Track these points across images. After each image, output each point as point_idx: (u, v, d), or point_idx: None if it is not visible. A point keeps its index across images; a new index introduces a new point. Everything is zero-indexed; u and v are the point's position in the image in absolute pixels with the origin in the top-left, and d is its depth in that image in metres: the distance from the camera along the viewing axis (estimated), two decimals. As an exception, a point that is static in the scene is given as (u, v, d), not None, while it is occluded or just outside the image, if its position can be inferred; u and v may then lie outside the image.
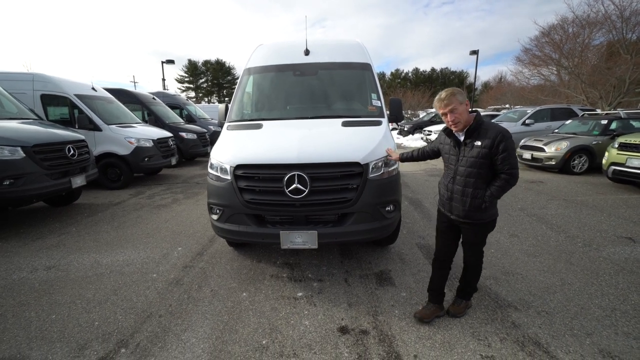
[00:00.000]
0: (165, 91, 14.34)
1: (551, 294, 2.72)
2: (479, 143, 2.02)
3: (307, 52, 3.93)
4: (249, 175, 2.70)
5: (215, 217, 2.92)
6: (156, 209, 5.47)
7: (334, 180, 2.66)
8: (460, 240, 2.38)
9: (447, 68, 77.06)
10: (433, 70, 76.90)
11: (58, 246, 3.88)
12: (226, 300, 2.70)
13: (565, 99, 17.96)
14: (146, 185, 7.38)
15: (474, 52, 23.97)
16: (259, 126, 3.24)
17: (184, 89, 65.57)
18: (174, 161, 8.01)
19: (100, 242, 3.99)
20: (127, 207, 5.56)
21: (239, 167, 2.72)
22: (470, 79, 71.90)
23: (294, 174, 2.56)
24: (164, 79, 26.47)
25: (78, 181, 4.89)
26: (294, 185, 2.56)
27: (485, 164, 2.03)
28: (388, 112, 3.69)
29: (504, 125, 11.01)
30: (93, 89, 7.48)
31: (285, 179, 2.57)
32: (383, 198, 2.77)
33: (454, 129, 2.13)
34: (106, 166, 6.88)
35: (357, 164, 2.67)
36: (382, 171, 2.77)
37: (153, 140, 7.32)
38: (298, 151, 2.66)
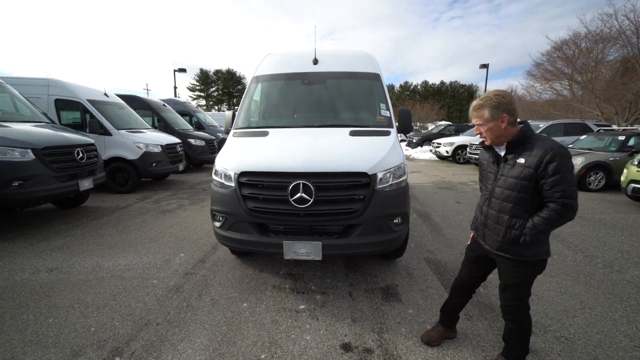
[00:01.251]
0: (176, 98, 14.60)
1: (570, 318, 2.56)
2: (522, 161, 1.63)
3: (315, 62, 3.93)
4: (253, 182, 2.66)
5: (218, 224, 2.87)
6: (161, 214, 5.46)
7: (340, 190, 2.59)
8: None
9: (456, 81, 77.17)
10: (442, 83, 77.07)
11: (62, 248, 3.87)
12: (226, 310, 2.61)
13: (579, 114, 17.68)
14: (153, 190, 7.42)
15: (484, 66, 24.00)
16: (265, 133, 3.21)
17: (195, 97, 66.96)
18: (181, 167, 8.06)
19: (104, 246, 3.97)
20: (132, 211, 5.56)
21: (243, 174, 2.68)
22: (480, 92, 71.93)
23: (299, 183, 2.50)
24: (175, 87, 27.12)
25: (86, 184, 4.92)
26: (298, 194, 2.50)
27: (529, 188, 1.62)
28: (397, 123, 3.64)
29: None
30: (105, 94, 7.64)
31: (290, 187, 2.51)
32: (391, 210, 2.69)
33: (486, 143, 1.78)
34: (114, 170, 6.95)
35: (364, 174, 2.60)
36: (390, 182, 2.70)
37: (161, 146, 7.39)
38: (303, 159, 2.61)
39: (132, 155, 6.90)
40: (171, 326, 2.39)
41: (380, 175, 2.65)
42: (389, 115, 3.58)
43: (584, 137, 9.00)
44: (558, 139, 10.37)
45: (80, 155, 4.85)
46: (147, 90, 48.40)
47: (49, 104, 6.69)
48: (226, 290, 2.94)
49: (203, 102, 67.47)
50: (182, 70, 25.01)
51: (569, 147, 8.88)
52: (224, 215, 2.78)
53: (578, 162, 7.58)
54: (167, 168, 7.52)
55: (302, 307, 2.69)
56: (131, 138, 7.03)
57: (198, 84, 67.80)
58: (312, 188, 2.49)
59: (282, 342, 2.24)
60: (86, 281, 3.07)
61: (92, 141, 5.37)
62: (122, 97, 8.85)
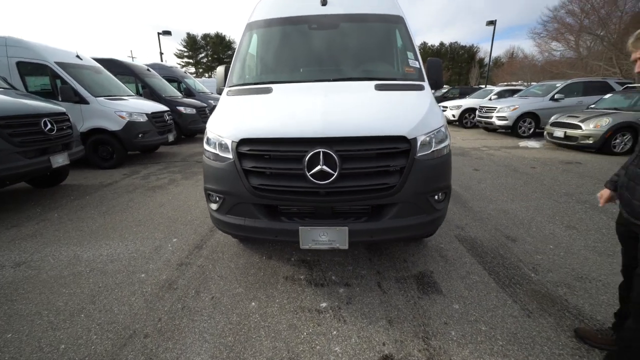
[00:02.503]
0: (162, 63, 13.39)
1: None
2: None
3: (324, 2, 3.13)
4: (257, 153, 2.04)
5: (214, 206, 2.29)
6: (151, 191, 4.86)
7: (372, 160, 1.99)
8: None
9: (456, 42, 73.62)
10: (442, 44, 73.49)
11: (34, 236, 3.31)
12: (230, 313, 2.12)
13: (592, 73, 16.66)
14: (142, 164, 6.76)
15: (491, 22, 22.32)
16: (268, 90, 2.52)
17: (183, 64, 63.52)
18: (171, 138, 7.32)
19: (84, 232, 3.41)
20: (118, 189, 4.96)
21: (243, 142, 2.06)
22: (480, 54, 68.88)
23: (319, 152, 1.89)
24: (161, 53, 25.22)
25: (59, 160, 4.25)
26: (318, 167, 1.89)
27: None
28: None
29: (529, 101, 10.12)
30: (78, 56, 6.67)
31: (307, 158, 1.90)
32: (433, 184, 2.11)
33: None
34: (97, 143, 6.23)
35: (402, 138, 1.99)
36: (432, 148, 2.09)
37: (147, 115, 6.60)
38: (323, 121, 1.98)
39: (114, 126, 6.14)
40: (163, 338, 1.89)
41: (421, 140, 2.04)
42: (418, 66, 2.88)
43: (608, 96, 8.28)
44: (576, 99, 9.69)
45: (49, 126, 4.13)
46: (132, 57, 45.39)
47: (10, 68, 5.78)
48: (229, 285, 2.43)
49: (192, 69, 64.13)
50: (167, 32, 23.05)
51: (591, 108, 8.21)
52: (221, 196, 2.19)
53: (604, 122, 6.96)
54: (156, 139, 6.79)
55: (323, 305, 2.21)
56: (112, 106, 6.22)
57: (186, 50, 64.00)
58: (336, 158, 1.89)
59: (306, 358, 1.76)
60: (60, 278, 2.54)
61: (63, 110, 4.61)
62: (99, 61, 7.86)
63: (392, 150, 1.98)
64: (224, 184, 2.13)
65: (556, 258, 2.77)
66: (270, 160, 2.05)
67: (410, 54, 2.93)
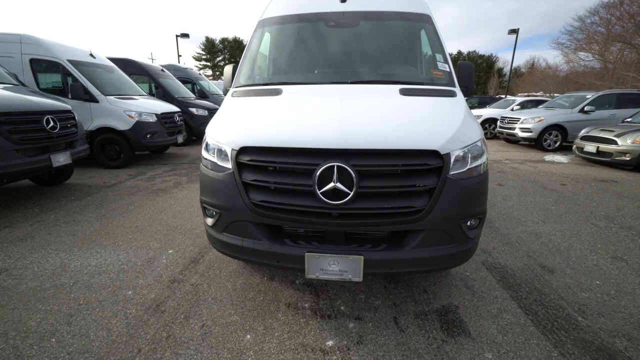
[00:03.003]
0: (177, 64, 13.44)
1: None
2: None
3: None
4: (260, 164, 1.75)
5: (210, 221, 2.00)
6: (153, 194, 4.65)
7: (396, 178, 1.67)
8: None
9: (474, 51, 72.44)
10: (460, 53, 72.44)
11: (24, 239, 3.11)
12: (221, 348, 1.81)
13: (622, 84, 15.82)
14: (149, 165, 6.61)
15: (514, 31, 21.68)
16: (277, 92, 2.24)
17: (201, 66, 64.85)
18: (180, 139, 7.17)
19: (77, 237, 3.20)
20: (121, 190, 4.77)
21: (244, 150, 1.77)
22: (499, 63, 67.51)
23: (332, 166, 1.58)
24: (179, 55, 25.64)
25: (61, 159, 4.09)
26: (331, 185, 1.58)
27: None
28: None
29: (556, 112, 9.55)
30: (91, 55, 6.62)
31: (318, 173, 1.60)
32: (468, 208, 1.77)
33: None
34: (104, 142, 6.12)
35: (434, 153, 1.66)
36: (467, 166, 1.75)
37: (156, 115, 6.47)
38: (339, 129, 1.67)
39: (122, 125, 6.02)
40: (138, 379, 1.60)
41: (455, 156, 1.70)
42: (448, 69, 2.55)
43: (647, 109, 7.68)
44: (608, 112, 9.08)
45: (52, 124, 3.98)
46: (152, 59, 46.64)
47: (23, 65, 5.75)
48: (223, 311, 2.13)
49: (209, 72, 65.37)
50: (185, 35, 23.40)
51: (627, 122, 7.63)
52: (217, 211, 1.90)
53: (643, 139, 6.38)
54: (164, 140, 6.64)
55: (330, 343, 1.87)
56: (121, 105, 6.11)
57: (204, 53, 65.39)
58: (353, 174, 1.57)
59: (306, 419, 1.43)
60: (40, 290, 2.30)
61: (68, 107, 4.47)
62: (113, 60, 7.84)
63: (421, 167, 1.65)
64: (221, 197, 1.84)
65: (606, 298, 2.35)
66: (274, 174, 1.75)
67: (439, 56, 2.60)
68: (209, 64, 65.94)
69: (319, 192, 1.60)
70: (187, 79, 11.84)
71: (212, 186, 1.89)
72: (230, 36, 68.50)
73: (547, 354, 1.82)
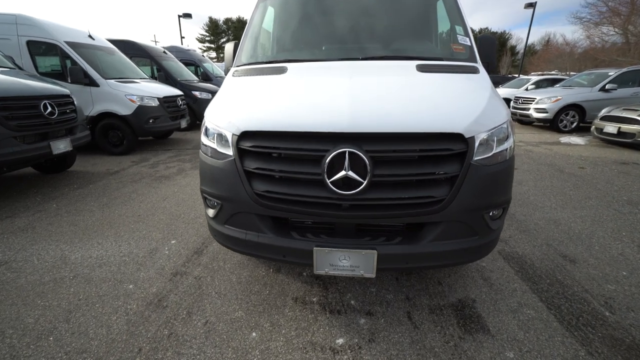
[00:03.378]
0: (180, 46, 13.08)
1: None
2: None
3: None
4: (263, 150, 1.59)
5: (211, 212, 1.87)
6: (156, 181, 4.55)
7: (414, 165, 1.49)
8: None
9: (486, 28, 69.48)
10: (472, 30, 69.54)
11: (25, 230, 3.05)
12: (225, 347, 1.72)
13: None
14: (152, 151, 6.50)
15: (530, 5, 20.52)
16: (282, 70, 2.04)
17: (205, 48, 63.58)
18: (184, 124, 7.01)
19: (78, 227, 3.12)
20: (124, 178, 4.68)
21: (246, 135, 1.60)
22: (512, 41, 64.71)
23: (343, 152, 1.41)
24: (182, 37, 25.06)
25: (61, 146, 3.98)
26: (342, 173, 1.42)
27: None
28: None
29: (574, 92, 9.08)
30: (90, 36, 6.39)
31: (327, 160, 1.43)
32: (492, 197, 1.60)
33: None
34: (106, 128, 6.00)
35: (457, 137, 1.47)
36: (492, 151, 1.56)
37: (159, 99, 6.28)
38: (350, 111, 1.49)
39: (124, 110, 5.87)
40: (138, 380, 1.52)
41: (480, 139, 1.51)
42: (469, 43, 2.31)
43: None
44: (631, 90, 8.59)
45: (50, 109, 3.84)
46: (155, 42, 45.82)
47: (20, 47, 5.56)
48: (227, 306, 2.04)
49: (214, 54, 64.14)
50: (187, 15, 22.75)
51: (652, 100, 7.18)
52: (218, 202, 1.76)
53: (669, 118, 6.00)
54: (167, 125, 6.49)
55: (340, 341, 1.77)
56: (122, 89, 5.93)
57: (207, 34, 63.96)
58: (366, 161, 1.40)
59: None
60: (39, 285, 2.23)
61: (67, 92, 4.31)
62: (113, 42, 7.58)
63: (442, 152, 1.47)
64: (222, 187, 1.70)
65: (635, 290, 2.19)
66: (279, 161, 1.59)
67: (459, 29, 2.36)
68: (212, 45, 64.58)
69: (328, 181, 1.45)
70: (190, 61, 11.55)
71: (212, 175, 1.74)
72: (234, 16, 66.78)
73: (574, 353, 1.69)
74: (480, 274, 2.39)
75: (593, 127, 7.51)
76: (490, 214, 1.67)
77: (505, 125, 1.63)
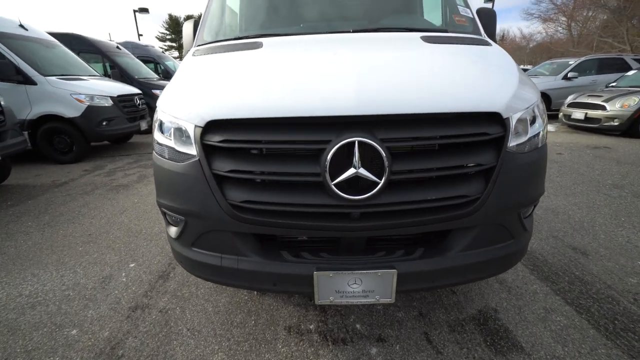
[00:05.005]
0: (136, 42, 12.02)
1: None
2: None
3: None
4: (239, 145, 1.17)
5: (173, 231, 1.43)
6: (113, 191, 3.93)
7: (442, 156, 1.15)
8: None
9: (449, 24, 71.98)
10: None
11: None
12: (203, 409, 1.30)
13: (599, 51, 16.00)
14: (109, 158, 5.76)
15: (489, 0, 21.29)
16: (256, 45, 1.62)
17: (166, 47, 60.45)
18: (144, 125, 6.30)
19: (7, 256, 2.50)
20: (73, 190, 4.00)
21: (213, 127, 1.18)
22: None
23: (352, 142, 1.04)
24: (140, 34, 23.35)
25: (-15, 156, 3.27)
26: (351, 171, 1.05)
27: None
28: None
29: (539, 81, 9.36)
30: (21, 26, 5.50)
31: (329, 155, 1.05)
32: (530, 191, 1.30)
33: None
34: (50, 133, 5.19)
35: (494, 117, 1.15)
36: (527, 135, 1.26)
37: (112, 98, 5.55)
38: (357, 88, 1.12)
39: (71, 112, 5.09)
40: None
41: (516, 120, 1.20)
42: (470, 15, 2.01)
43: (632, 72, 7.58)
44: (590, 78, 8.98)
45: (-34, 111, 3.12)
46: (110, 40, 42.52)
47: None
48: (203, 347, 1.60)
49: (176, 53, 61.14)
50: (144, 10, 21.19)
51: (612, 86, 7.51)
52: (181, 218, 1.32)
53: (633, 102, 6.25)
54: (124, 127, 5.77)
55: (351, 383, 1.41)
56: (67, 88, 5.14)
57: (168, 32, 60.82)
58: (383, 153, 1.04)
59: None
60: (-59, 341, 1.66)
61: (-9, 91, 3.57)
62: (55, 36, 6.63)
63: (477, 137, 1.13)
64: (184, 198, 1.26)
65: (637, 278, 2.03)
66: (260, 160, 1.19)
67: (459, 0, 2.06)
68: (174, 44, 61.49)
69: (331, 183, 1.07)
70: (149, 58, 10.61)
71: (171, 183, 1.30)
72: (196, 13, 63.97)
73: (624, 368, 1.44)
74: (495, 277, 2.13)
75: (561, 114, 7.73)
76: (524, 211, 1.38)
77: (538, 103, 1.33)
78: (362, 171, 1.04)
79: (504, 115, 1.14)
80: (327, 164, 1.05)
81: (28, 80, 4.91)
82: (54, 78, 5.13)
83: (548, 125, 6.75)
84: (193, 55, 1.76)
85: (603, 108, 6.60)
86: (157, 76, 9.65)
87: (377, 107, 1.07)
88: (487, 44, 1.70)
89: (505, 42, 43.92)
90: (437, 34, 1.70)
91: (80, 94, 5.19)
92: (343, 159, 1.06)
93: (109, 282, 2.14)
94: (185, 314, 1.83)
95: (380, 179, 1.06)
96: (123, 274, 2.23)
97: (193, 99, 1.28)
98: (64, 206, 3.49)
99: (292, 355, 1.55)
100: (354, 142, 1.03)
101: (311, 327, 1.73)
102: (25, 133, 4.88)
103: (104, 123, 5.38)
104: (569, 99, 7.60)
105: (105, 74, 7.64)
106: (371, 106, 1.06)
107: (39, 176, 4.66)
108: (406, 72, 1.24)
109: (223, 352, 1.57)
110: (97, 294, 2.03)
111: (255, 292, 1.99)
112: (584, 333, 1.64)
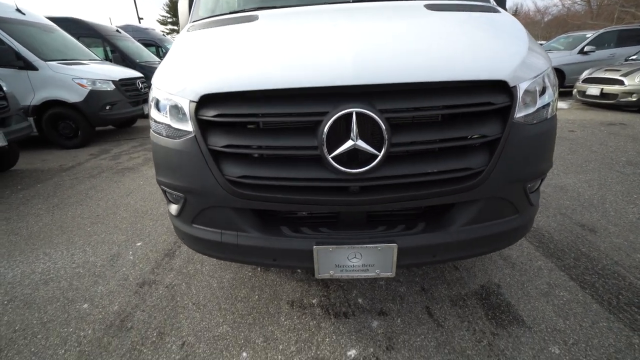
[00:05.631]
0: (136, 25, 11.82)
1: None
2: None
3: None
4: (234, 120, 1.15)
5: (174, 209, 1.43)
6: (119, 174, 3.98)
7: (444, 128, 1.12)
8: None
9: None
10: None
11: (-49, 244, 2.48)
12: (209, 377, 1.35)
13: (619, 22, 15.16)
14: (114, 142, 5.80)
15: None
16: (251, 18, 1.56)
17: (167, 31, 59.42)
18: (147, 109, 6.26)
19: (20, 236, 2.58)
20: (80, 173, 4.06)
21: (208, 101, 1.16)
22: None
23: (350, 113, 1.01)
24: (140, 18, 23.00)
25: (-9, 141, 3.32)
26: (349, 143, 1.02)
27: None
28: None
29: (553, 56, 8.95)
30: (18, 10, 5.42)
31: (327, 126, 1.02)
32: (537, 164, 1.26)
33: None
34: (55, 118, 5.22)
35: (500, 86, 1.10)
36: (536, 106, 1.21)
37: (114, 82, 5.52)
38: (355, 57, 1.07)
39: (73, 97, 5.09)
40: None
41: (524, 90, 1.15)
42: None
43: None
44: (608, 52, 8.57)
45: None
46: (111, 24, 41.90)
47: None
48: (208, 320, 1.65)
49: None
50: (143, -8, 20.69)
51: (632, 59, 7.15)
52: (181, 195, 1.33)
53: (653, 76, 5.95)
54: (127, 111, 5.77)
55: (351, 353, 1.44)
56: (68, 72, 5.12)
57: (169, 15, 59.56)
58: (382, 125, 1.01)
59: None
60: (-39, 315, 1.74)
61: (-7, 75, 3.57)
62: (53, 20, 6.54)
63: (481, 107, 1.09)
64: (182, 175, 1.26)
65: (665, 258, 1.99)
66: (257, 134, 1.17)
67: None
68: (176, 27, 60.41)
69: (329, 156, 1.04)
70: (150, 42, 10.47)
71: (168, 160, 1.30)
72: (196, -6, 62.18)
73: (626, 340, 1.44)
74: (499, 253, 2.12)
75: (575, 90, 7.44)
76: (529, 185, 1.34)
77: (549, 72, 1.27)
78: (361, 143, 1.02)
79: (511, 84, 1.09)
80: (324, 136, 1.02)
81: (29, 66, 4.89)
82: (54, 63, 5.10)
83: (561, 103, 6.52)
84: (188, 31, 1.71)
85: (621, 83, 6.32)
86: (159, 60, 9.53)
87: (375, 76, 1.02)
88: (495, 11, 1.60)
89: (519, 17, 41.99)
90: (441, 2, 1.61)
91: (82, 78, 5.16)
92: (341, 132, 1.04)
93: (117, 260, 2.19)
94: (190, 290, 1.87)
95: (380, 152, 1.03)
96: (130, 253, 2.28)
97: (187, 74, 1.25)
98: (72, 189, 3.55)
99: (294, 327, 1.59)
100: (351, 113, 0.99)
101: (314, 301, 1.75)
102: (31, 119, 4.93)
103: (107, 107, 5.38)
104: (584, 75, 7.29)
105: (106, 58, 7.57)
106: (369, 76, 1.02)
107: (46, 161, 4.73)
108: (406, 41, 1.18)
109: (227, 324, 1.61)
110: (106, 271, 2.08)
111: (259, 268, 2.02)
112: (586, 307, 1.63)
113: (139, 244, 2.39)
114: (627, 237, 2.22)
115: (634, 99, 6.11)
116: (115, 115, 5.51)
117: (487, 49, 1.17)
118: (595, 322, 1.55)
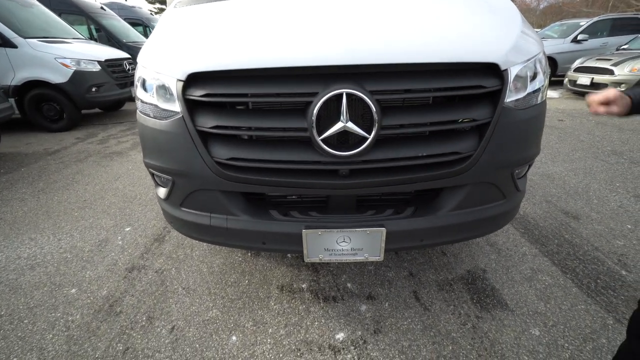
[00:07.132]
0: (121, 2, 11.30)
1: None
2: None
3: None
4: (222, 100, 1.12)
5: (162, 192, 1.41)
6: (107, 158, 3.89)
7: (434, 111, 1.11)
8: None
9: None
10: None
11: None
12: (199, 359, 1.36)
13: (613, 10, 15.16)
14: (102, 125, 5.64)
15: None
16: None
17: (156, 10, 57.14)
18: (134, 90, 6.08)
19: (4, 221, 2.52)
20: (66, 157, 3.96)
21: (195, 80, 1.12)
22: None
23: (340, 94, 0.99)
24: (126, -6, 21.90)
25: (-30, 121, 3.18)
26: (339, 125, 1.01)
27: None
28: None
29: (545, 44, 8.95)
30: (-7, -18, 5.11)
31: (316, 107, 1.00)
32: (525, 150, 1.27)
33: None
34: (38, 100, 5.02)
35: (491, 69, 1.09)
36: (526, 90, 1.20)
37: (100, 63, 5.31)
38: (345, 36, 1.04)
39: (57, 78, 4.89)
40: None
41: (515, 73, 1.14)
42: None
43: (644, 34, 7.22)
44: (601, 41, 8.59)
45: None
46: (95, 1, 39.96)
47: None
48: (198, 305, 1.65)
49: (166, 17, 57.90)
50: (129, -32, 19.69)
51: (623, 49, 7.20)
52: (169, 178, 1.30)
53: (642, 66, 6.01)
54: (114, 94, 5.58)
55: (340, 337, 1.47)
56: (51, 51, 4.89)
57: (157, -7, 57.15)
58: (372, 107, 0.99)
59: None
60: (-56, 300, 1.71)
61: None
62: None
63: (472, 90, 1.08)
64: (169, 157, 1.23)
65: (637, 243, 2.07)
66: (245, 114, 1.14)
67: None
68: (164, 7, 58.12)
69: (318, 138, 1.03)
70: (137, 20, 10.07)
71: (155, 141, 1.26)
72: (185, -28, 59.52)
73: (602, 322, 1.50)
74: (486, 239, 2.16)
75: (566, 79, 7.48)
76: (517, 171, 1.35)
77: (540, 57, 1.26)
78: (350, 125, 1.00)
79: (502, 67, 1.08)
80: (314, 118, 1.00)
81: (7, 43, 4.66)
82: (35, 40, 4.87)
83: (552, 92, 6.56)
84: (175, 7, 1.63)
85: (611, 72, 6.37)
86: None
87: (366, 56, 1.00)
88: None
89: (514, 3, 41.53)
90: None
91: (65, 57, 4.94)
92: (332, 114, 1.02)
93: (106, 245, 2.17)
94: (180, 274, 1.87)
95: (369, 134, 1.02)
96: (119, 238, 2.25)
97: (173, 52, 1.20)
98: (58, 173, 3.46)
99: (284, 311, 1.61)
100: (341, 94, 0.97)
101: (303, 286, 1.77)
102: (12, 100, 4.74)
103: (94, 89, 5.19)
104: (576, 64, 7.31)
105: (91, 37, 7.26)
106: (360, 56, 1.00)
107: (30, 144, 4.59)
108: (398, 21, 1.15)
109: (217, 309, 1.62)
110: (94, 256, 2.06)
111: (249, 253, 2.03)
112: (566, 291, 1.69)
113: (127, 229, 2.37)
114: (608, 224, 2.29)
115: (623, 89, 6.16)
116: (102, 98, 5.33)
117: (479, 31, 1.15)
118: (574, 305, 1.61)
